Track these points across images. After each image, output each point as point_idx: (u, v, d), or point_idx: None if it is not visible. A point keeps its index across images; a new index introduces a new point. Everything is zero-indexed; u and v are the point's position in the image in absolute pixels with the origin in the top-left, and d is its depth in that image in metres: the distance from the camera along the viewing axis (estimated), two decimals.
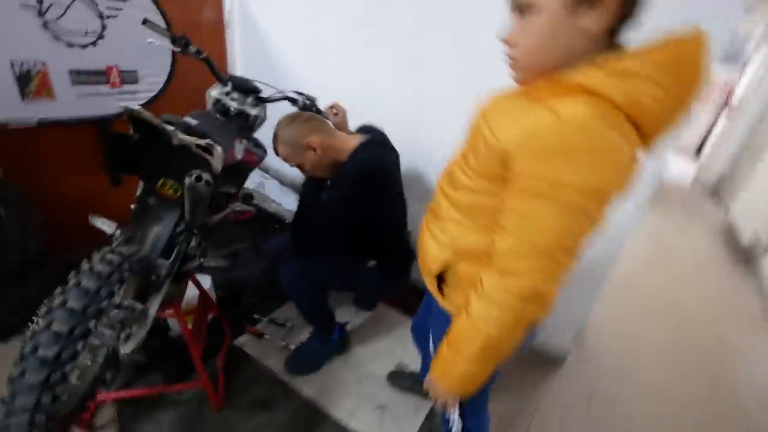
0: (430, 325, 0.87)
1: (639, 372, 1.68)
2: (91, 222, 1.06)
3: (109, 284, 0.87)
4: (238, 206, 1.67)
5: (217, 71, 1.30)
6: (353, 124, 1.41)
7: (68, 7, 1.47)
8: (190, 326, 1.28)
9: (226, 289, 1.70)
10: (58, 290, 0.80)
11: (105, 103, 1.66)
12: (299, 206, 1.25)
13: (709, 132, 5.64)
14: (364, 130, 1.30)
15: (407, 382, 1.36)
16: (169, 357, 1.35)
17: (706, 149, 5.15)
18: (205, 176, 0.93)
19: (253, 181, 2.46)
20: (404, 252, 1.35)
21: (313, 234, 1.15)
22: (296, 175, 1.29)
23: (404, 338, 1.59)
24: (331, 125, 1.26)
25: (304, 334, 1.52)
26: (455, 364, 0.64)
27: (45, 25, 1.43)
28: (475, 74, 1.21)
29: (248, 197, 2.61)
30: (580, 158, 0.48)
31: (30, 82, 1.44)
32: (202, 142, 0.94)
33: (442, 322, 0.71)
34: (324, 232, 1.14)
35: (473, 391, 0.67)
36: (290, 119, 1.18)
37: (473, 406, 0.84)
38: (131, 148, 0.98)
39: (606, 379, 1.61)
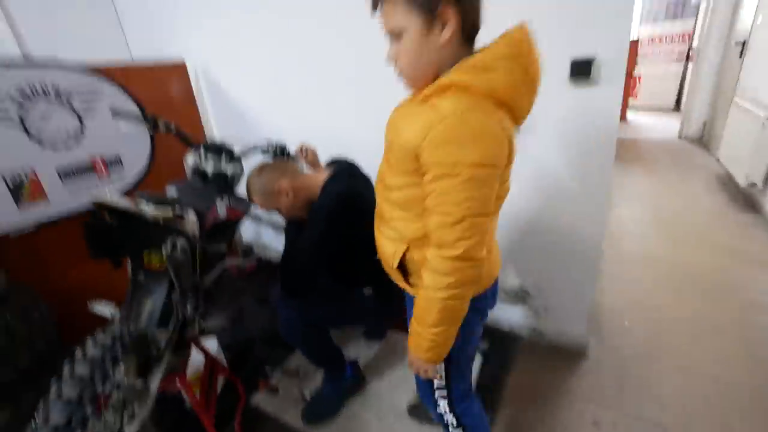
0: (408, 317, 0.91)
1: (664, 351, 1.56)
2: (90, 309, 1.09)
3: (103, 367, 0.88)
4: (238, 261, 1.67)
5: (188, 140, 1.36)
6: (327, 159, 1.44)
7: (49, 113, 1.58)
8: (198, 395, 1.26)
9: (233, 348, 1.69)
10: (54, 381, 0.81)
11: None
12: (284, 250, 1.26)
13: (682, 85, 5.63)
14: (332, 163, 1.33)
15: (428, 412, 1.30)
16: (186, 430, 1.32)
17: (685, 102, 5.10)
18: (180, 242, 0.95)
19: (251, 231, 2.51)
20: None
21: (298, 275, 1.15)
22: None
23: None
24: (301, 166, 1.30)
25: (319, 377, 1.49)
26: (424, 333, 0.73)
27: (30, 135, 1.53)
28: None
29: (249, 251, 2.62)
30: (465, 142, 0.61)
31: (23, 189, 1.53)
32: (173, 210, 0.98)
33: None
34: (308, 272, 1.14)
35: (445, 353, 0.76)
36: (259, 170, 1.22)
37: (458, 392, 0.91)
38: (112, 233, 1.01)
39: (632, 365, 1.51)
